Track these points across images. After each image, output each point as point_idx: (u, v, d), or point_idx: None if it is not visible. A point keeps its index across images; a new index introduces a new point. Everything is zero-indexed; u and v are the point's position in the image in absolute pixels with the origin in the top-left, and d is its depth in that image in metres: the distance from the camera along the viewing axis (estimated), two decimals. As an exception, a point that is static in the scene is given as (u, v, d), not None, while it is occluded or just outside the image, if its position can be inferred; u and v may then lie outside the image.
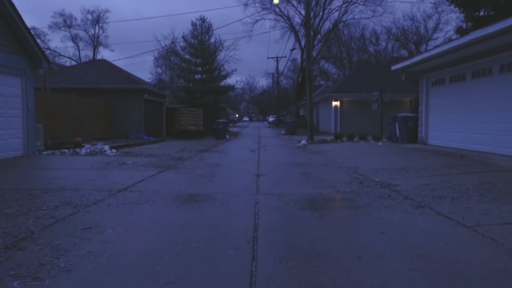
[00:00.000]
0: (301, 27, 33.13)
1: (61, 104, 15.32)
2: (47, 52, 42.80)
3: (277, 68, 53.87)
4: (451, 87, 11.49)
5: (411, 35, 45.39)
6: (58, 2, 77.97)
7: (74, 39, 50.90)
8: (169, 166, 8.59)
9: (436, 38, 42.65)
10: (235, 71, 65.89)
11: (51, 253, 3.01)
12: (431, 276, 2.60)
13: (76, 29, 50.49)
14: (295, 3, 36.28)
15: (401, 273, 2.66)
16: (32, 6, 69.23)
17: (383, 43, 49.70)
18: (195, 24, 32.05)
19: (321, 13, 37.28)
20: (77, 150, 11.88)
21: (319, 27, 37.65)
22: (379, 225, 3.85)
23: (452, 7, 20.02)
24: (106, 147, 12.30)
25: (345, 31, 46.24)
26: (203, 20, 32.20)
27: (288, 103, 66.56)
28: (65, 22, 49.38)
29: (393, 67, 14.34)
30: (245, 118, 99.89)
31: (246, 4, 55.46)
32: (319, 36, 38.71)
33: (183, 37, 33.21)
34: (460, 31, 17.34)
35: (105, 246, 3.20)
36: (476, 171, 6.78)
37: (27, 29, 9.97)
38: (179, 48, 38.19)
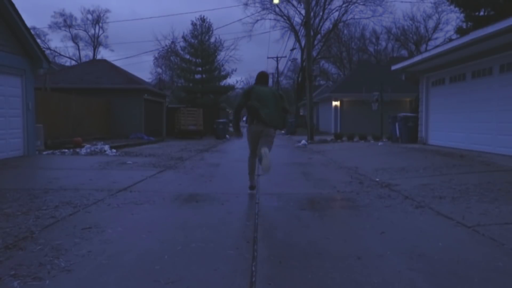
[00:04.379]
0: (301, 27, 33.12)
1: (61, 104, 15.32)
2: (47, 52, 42.78)
3: (277, 68, 53.76)
4: (451, 87, 11.49)
5: (411, 35, 45.35)
6: (58, 2, 77.76)
7: (74, 39, 50.85)
8: (169, 166, 8.59)
9: (436, 38, 42.64)
10: (235, 71, 65.91)
11: (51, 253, 3.01)
12: (431, 276, 2.60)
13: (76, 29, 50.41)
14: (295, 3, 36.28)
15: (401, 273, 2.66)
16: (32, 5, 69.14)
17: (383, 43, 49.67)
18: (195, 24, 32.05)
19: (321, 13, 37.30)
20: (77, 150, 11.88)
21: (319, 27, 37.62)
22: (379, 225, 3.85)
23: (452, 7, 20.05)
24: (106, 147, 12.30)
25: (345, 31, 46.12)
26: (203, 20, 32.19)
27: (288, 103, 66.46)
28: (65, 22, 49.31)
29: (393, 67, 14.34)
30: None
31: (246, 4, 55.52)
32: (319, 36, 38.67)
33: (183, 37, 33.21)
34: (460, 31, 17.35)
35: (105, 246, 3.21)
36: (476, 171, 6.78)
37: (27, 29, 9.96)
38: (179, 48, 38.16)
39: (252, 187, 5.54)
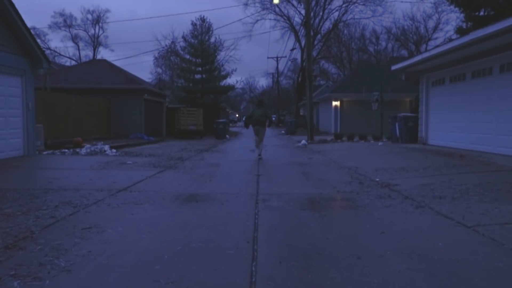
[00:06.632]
0: (301, 27, 33.12)
1: (61, 104, 15.32)
2: (47, 52, 42.80)
3: (277, 68, 53.91)
4: (451, 87, 11.49)
5: (411, 35, 45.38)
6: (58, 2, 77.94)
7: (74, 39, 50.88)
8: (169, 166, 8.59)
9: (436, 38, 42.66)
10: (235, 71, 65.94)
11: (51, 253, 3.01)
12: (431, 276, 2.60)
13: (76, 29, 50.46)
14: (295, 3, 36.27)
15: (401, 273, 2.66)
16: (32, 6, 69.19)
17: (383, 43, 49.67)
18: (195, 24, 32.02)
19: (321, 13, 37.28)
20: (77, 150, 11.88)
21: (319, 27, 37.62)
22: (379, 225, 3.85)
23: (452, 7, 20.04)
24: (106, 147, 12.30)
25: (345, 31, 46.13)
26: (203, 20, 32.16)
27: (288, 103, 66.51)
28: (65, 22, 49.36)
29: (393, 67, 14.33)
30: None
31: (246, 4, 55.58)
32: (319, 36, 38.67)
33: (183, 37, 33.19)
34: (460, 31, 17.34)
35: (105, 246, 3.21)
36: (476, 171, 6.78)
37: (27, 29, 9.96)
38: (179, 48, 38.20)
39: (259, 155, 10.63)
